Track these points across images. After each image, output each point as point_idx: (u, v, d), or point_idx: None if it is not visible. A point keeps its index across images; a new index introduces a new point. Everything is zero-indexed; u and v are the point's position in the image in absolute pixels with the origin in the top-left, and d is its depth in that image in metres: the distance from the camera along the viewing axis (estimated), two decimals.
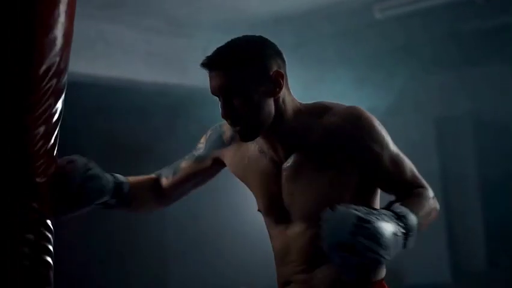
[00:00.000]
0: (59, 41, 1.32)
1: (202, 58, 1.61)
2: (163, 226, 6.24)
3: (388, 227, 1.39)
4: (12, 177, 1.30)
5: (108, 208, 1.79)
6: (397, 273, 5.56)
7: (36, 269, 1.30)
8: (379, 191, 1.66)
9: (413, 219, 1.46)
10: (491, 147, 6.17)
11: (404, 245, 1.44)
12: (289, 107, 1.62)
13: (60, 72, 1.34)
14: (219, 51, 1.58)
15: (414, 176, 1.62)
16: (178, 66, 5.41)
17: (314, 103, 1.66)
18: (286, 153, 1.63)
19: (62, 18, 1.31)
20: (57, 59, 1.33)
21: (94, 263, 5.89)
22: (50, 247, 1.35)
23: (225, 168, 1.84)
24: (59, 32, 1.31)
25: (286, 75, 1.62)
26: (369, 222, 1.36)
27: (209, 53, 1.60)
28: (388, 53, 5.89)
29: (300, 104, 1.66)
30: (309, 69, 5.43)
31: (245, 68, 1.55)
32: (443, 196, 6.06)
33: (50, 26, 1.29)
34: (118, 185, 1.76)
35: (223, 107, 1.58)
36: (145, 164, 6.03)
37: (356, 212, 1.37)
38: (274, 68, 1.58)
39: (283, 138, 1.62)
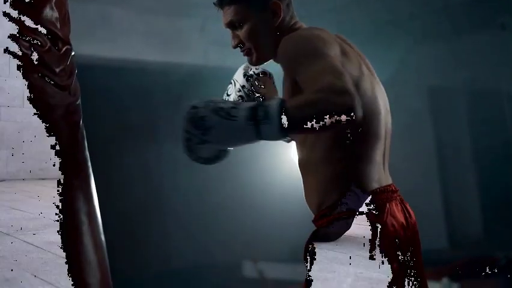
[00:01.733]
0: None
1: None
2: (167, 199, 6.31)
3: (217, 111, 1.41)
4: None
5: None
6: None
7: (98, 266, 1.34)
8: None
9: (274, 106, 1.37)
10: (486, 116, 6.23)
11: (258, 132, 1.39)
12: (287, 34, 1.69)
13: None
14: None
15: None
16: (179, 46, 5.50)
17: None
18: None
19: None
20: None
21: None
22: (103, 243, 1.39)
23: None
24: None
25: (291, 5, 1.74)
26: (196, 108, 1.43)
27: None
28: (383, 26, 5.93)
29: (299, 28, 1.72)
30: None
31: (245, 2, 1.71)
32: (439, 165, 6.16)
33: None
34: None
35: (232, 38, 1.75)
36: (149, 142, 6.12)
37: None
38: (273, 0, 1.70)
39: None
